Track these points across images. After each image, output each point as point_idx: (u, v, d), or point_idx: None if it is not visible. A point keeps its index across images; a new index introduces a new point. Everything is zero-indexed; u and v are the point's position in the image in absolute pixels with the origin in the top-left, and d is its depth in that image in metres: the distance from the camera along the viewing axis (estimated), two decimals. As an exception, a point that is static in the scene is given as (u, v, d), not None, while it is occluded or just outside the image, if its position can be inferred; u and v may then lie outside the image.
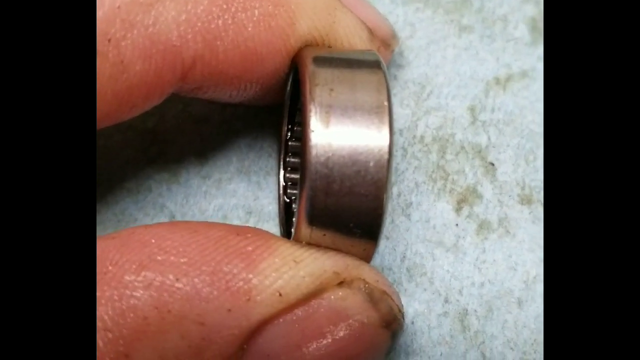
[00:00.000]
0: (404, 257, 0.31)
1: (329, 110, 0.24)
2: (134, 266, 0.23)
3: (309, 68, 0.25)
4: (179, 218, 0.32)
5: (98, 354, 0.22)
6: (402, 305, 0.26)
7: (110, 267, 0.23)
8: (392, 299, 0.25)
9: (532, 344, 0.29)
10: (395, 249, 0.31)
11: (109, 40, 0.23)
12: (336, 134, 0.24)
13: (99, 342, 0.22)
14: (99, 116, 0.25)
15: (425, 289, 0.30)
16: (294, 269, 0.24)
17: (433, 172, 0.32)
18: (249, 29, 0.26)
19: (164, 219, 0.32)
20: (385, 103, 0.25)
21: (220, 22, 0.25)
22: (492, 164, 0.32)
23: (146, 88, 0.25)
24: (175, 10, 0.25)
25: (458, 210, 0.31)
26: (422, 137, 0.33)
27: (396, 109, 0.33)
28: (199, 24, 0.25)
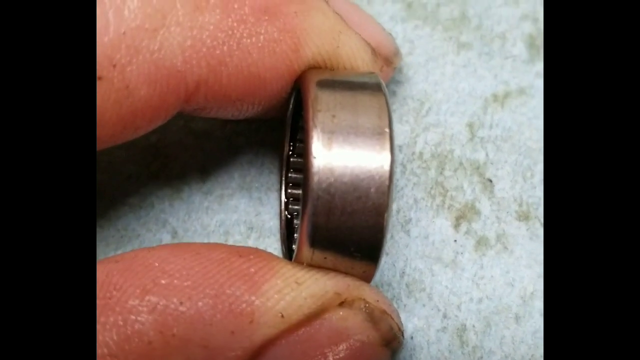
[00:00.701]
0: (404, 273, 0.31)
1: (331, 137, 0.25)
2: (137, 290, 0.23)
3: (312, 93, 0.26)
4: (181, 234, 0.33)
5: None
6: (402, 324, 0.26)
7: (114, 292, 0.23)
8: (392, 317, 0.26)
9: (529, 360, 0.30)
10: (394, 265, 0.31)
11: (114, 66, 0.23)
12: (338, 160, 0.24)
13: None
14: (104, 138, 0.25)
15: (424, 305, 0.30)
16: (296, 290, 0.24)
17: (432, 188, 0.32)
18: (254, 55, 0.26)
19: (166, 234, 0.33)
20: (386, 130, 0.25)
21: (225, 47, 0.25)
22: (490, 181, 0.32)
23: (150, 112, 0.25)
24: (181, 36, 0.25)
25: (456, 226, 0.32)
26: (421, 154, 0.33)
27: (395, 125, 0.34)
28: (204, 50, 0.25)
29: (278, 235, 0.32)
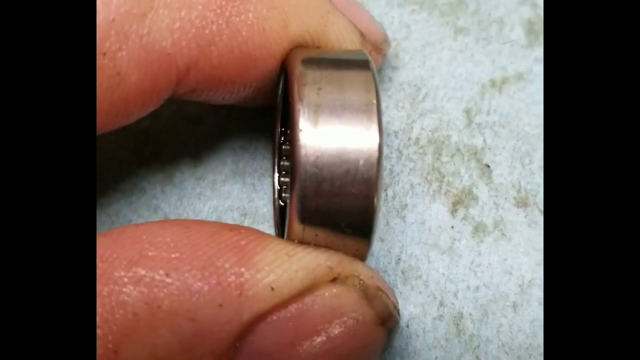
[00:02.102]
0: (399, 259, 0.31)
1: (317, 110, 0.24)
2: (124, 262, 0.23)
3: (297, 69, 0.25)
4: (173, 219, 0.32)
5: None
6: (397, 302, 0.26)
7: (100, 264, 0.23)
8: (387, 295, 0.25)
9: (527, 349, 0.29)
10: (390, 252, 0.31)
11: (105, 54, 0.23)
12: (325, 133, 0.24)
13: None
14: (97, 126, 0.25)
15: (420, 292, 0.30)
16: (287, 262, 0.24)
17: (428, 174, 0.32)
18: (243, 33, 0.26)
19: (157, 220, 0.32)
20: (374, 101, 0.25)
21: (214, 27, 0.25)
22: (488, 166, 0.32)
23: (142, 97, 0.25)
24: (169, 18, 0.24)
25: (453, 212, 0.31)
26: (417, 139, 0.33)
27: (391, 111, 0.33)
28: (193, 31, 0.25)
29: (271, 222, 0.32)
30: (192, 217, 0.32)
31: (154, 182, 0.33)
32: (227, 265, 0.23)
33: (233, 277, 0.23)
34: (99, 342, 0.22)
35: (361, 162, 0.24)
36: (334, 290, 0.24)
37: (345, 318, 0.24)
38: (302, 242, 0.25)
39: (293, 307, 0.24)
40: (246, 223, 0.32)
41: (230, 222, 0.32)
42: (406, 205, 0.31)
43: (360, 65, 0.26)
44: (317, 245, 0.25)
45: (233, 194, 0.32)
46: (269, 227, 0.32)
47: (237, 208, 0.32)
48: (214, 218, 0.32)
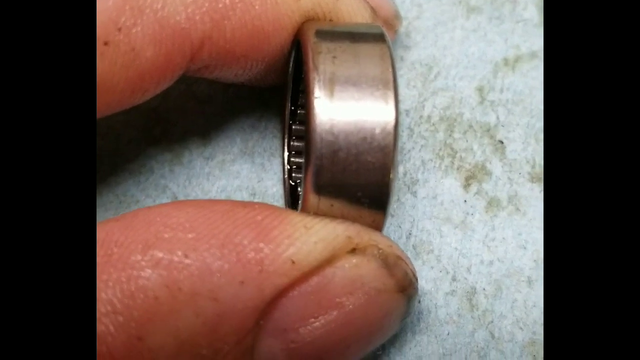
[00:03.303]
0: (410, 234, 0.30)
1: (332, 78, 0.24)
2: (140, 246, 0.22)
3: (311, 38, 0.25)
4: (181, 199, 0.32)
5: (109, 339, 0.21)
6: (415, 270, 0.25)
7: (115, 249, 0.22)
8: (406, 263, 0.25)
9: (542, 324, 0.28)
10: (400, 227, 0.30)
11: (120, 29, 0.23)
12: (341, 101, 0.24)
13: (110, 327, 0.21)
14: (112, 103, 0.24)
15: (432, 267, 0.29)
16: (305, 235, 0.23)
17: (440, 150, 0.31)
18: (256, 7, 0.26)
19: (166, 200, 0.32)
20: (390, 70, 0.24)
21: (227, 1, 0.25)
22: (502, 142, 0.31)
23: (157, 73, 0.25)
24: None
25: (466, 187, 0.30)
26: (429, 117, 0.32)
27: (403, 90, 0.33)
28: (207, 4, 0.25)
29: (281, 202, 0.31)
30: (200, 196, 0.32)
31: (163, 161, 0.32)
32: (245, 242, 0.23)
33: (252, 253, 0.23)
34: (122, 330, 0.21)
35: (377, 130, 0.23)
36: (354, 260, 0.24)
37: (366, 288, 0.24)
38: (318, 214, 0.24)
39: (314, 280, 0.23)
40: (255, 203, 0.31)
41: (239, 201, 0.32)
42: (417, 180, 0.31)
43: (375, 37, 0.26)
44: (333, 217, 0.24)
45: (242, 174, 0.32)
46: (278, 207, 0.31)
47: (246, 188, 0.32)
48: (222, 198, 0.32)
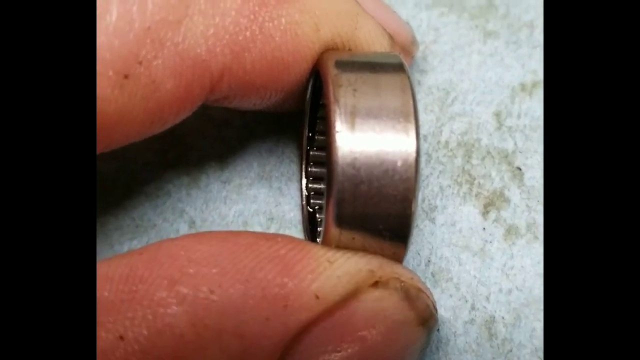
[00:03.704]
0: (429, 261, 0.30)
1: (353, 111, 0.24)
2: (165, 282, 0.22)
3: (331, 71, 0.25)
4: (198, 223, 0.32)
5: None
6: (435, 302, 0.26)
7: (140, 285, 0.22)
8: (427, 295, 0.25)
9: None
10: (419, 254, 0.30)
11: (140, 63, 0.23)
12: (362, 134, 0.24)
13: None
14: (131, 134, 0.24)
15: (451, 295, 0.29)
16: (329, 269, 0.23)
17: (458, 176, 0.31)
18: (277, 38, 0.26)
19: (183, 224, 0.32)
20: (411, 102, 0.24)
21: (248, 33, 0.25)
22: (520, 169, 0.31)
23: (177, 104, 0.25)
24: (204, 25, 0.24)
25: (485, 214, 0.30)
26: (446, 143, 0.32)
27: (420, 115, 0.33)
28: (227, 37, 0.25)
29: (299, 227, 0.31)
30: (218, 220, 0.32)
31: (180, 185, 0.32)
32: (269, 277, 0.23)
33: (277, 289, 0.23)
34: None
35: (399, 163, 0.23)
36: (376, 294, 0.24)
37: (388, 321, 0.24)
38: (339, 247, 0.24)
39: (338, 314, 0.23)
40: (273, 227, 0.32)
41: (257, 226, 0.32)
42: (436, 207, 0.31)
43: (395, 67, 0.26)
44: (354, 249, 0.24)
45: (259, 198, 0.32)
46: (296, 232, 0.31)
47: (263, 212, 0.32)
48: (240, 222, 0.32)
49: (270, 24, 0.25)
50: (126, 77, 0.23)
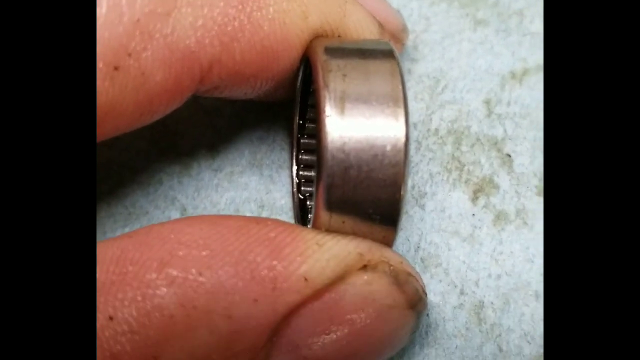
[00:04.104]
0: (418, 247, 0.30)
1: (343, 96, 0.24)
2: (155, 264, 0.22)
3: (321, 56, 0.25)
4: (190, 211, 0.32)
5: (126, 358, 0.22)
6: (425, 285, 0.26)
7: (130, 267, 0.22)
8: (416, 279, 0.25)
9: (550, 337, 0.28)
10: (408, 240, 0.30)
11: (130, 55, 0.23)
12: (351, 118, 0.24)
13: (126, 346, 0.22)
14: (121, 126, 0.24)
15: (440, 280, 0.29)
16: (318, 252, 0.23)
17: (448, 163, 0.31)
18: (265, 27, 0.26)
19: (175, 211, 0.32)
20: (400, 87, 0.24)
21: (236, 23, 0.25)
22: (509, 156, 0.31)
23: (166, 95, 0.25)
24: (192, 16, 0.24)
25: (474, 200, 0.31)
26: (436, 130, 0.32)
27: (410, 103, 0.33)
28: (216, 28, 0.25)
29: (290, 214, 0.32)
30: (209, 208, 0.32)
31: (171, 173, 0.32)
32: (259, 259, 0.23)
33: (266, 271, 0.23)
34: (138, 349, 0.22)
35: (388, 147, 0.24)
36: (365, 277, 0.24)
37: (377, 304, 0.24)
38: (329, 231, 0.25)
39: (326, 297, 0.23)
40: (264, 214, 0.32)
41: (248, 213, 0.32)
42: (425, 193, 0.31)
43: (384, 54, 0.26)
44: (344, 233, 0.25)
45: (250, 186, 0.32)
46: (287, 219, 0.31)
47: (254, 200, 0.32)
48: (231, 209, 0.32)
49: (259, 14, 0.25)
50: (116, 69, 0.23)
